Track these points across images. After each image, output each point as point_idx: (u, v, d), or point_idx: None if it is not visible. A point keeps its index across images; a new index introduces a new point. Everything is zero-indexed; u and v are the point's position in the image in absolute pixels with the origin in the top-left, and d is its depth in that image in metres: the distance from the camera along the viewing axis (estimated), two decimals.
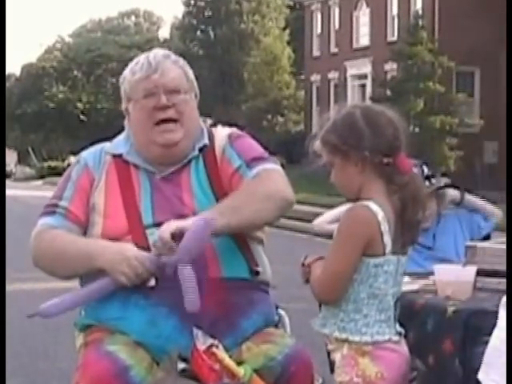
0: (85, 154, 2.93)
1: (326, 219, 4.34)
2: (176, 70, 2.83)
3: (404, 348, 2.56)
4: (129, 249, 2.62)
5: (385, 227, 2.44)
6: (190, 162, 2.84)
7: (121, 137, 2.94)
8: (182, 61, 2.89)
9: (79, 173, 2.86)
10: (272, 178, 2.77)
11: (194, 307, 2.50)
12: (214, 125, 3.01)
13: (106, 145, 2.94)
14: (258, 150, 2.87)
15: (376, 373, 2.46)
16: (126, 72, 2.86)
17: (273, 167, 2.81)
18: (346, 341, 2.49)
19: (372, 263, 2.45)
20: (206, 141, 2.87)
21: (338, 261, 2.47)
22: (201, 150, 2.85)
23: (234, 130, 2.97)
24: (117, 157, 2.87)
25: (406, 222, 2.49)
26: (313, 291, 2.54)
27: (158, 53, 2.87)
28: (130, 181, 2.82)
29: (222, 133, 2.93)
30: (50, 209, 2.82)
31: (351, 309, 2.49)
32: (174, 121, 2.79)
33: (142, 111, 2.80)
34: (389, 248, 2.46)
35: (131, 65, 2.86)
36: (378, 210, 2.44)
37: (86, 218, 2.80)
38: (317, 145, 2.57)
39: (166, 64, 2.82)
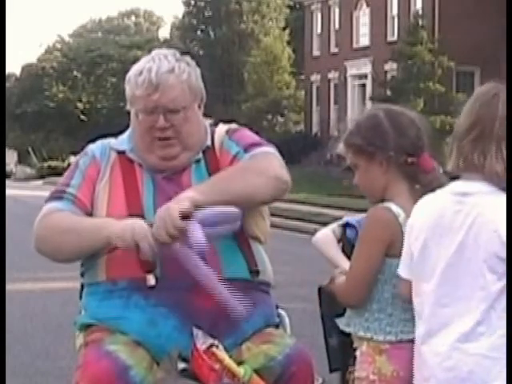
0: (92, 146, 2.94)
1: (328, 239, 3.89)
2: (178, 87, 2.76)
3: None
4: (136, 220, 2.61)
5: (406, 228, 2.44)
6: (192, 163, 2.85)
7: (125, 134, 2.95)
8: (187, 70, 2.80)
9: (87, 163, 2.88)
10: (267, 158, 2.80)
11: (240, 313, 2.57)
12: (216, 124, 3.01)
13: (112, 140, 2.95)
14: (256, 138, 2.90)
15: (392, 371, 2.47)
16: (130, 76, 2.81)
17: (268, 150, 2.84)
18: (369, 339, 2.50)
19: (395, 264, 2.45)
20: (208, 142, 2.89)
21: (360, 264, 2.48)
22: (204, 151, 2.87)
23: (233, 125, 2.99)
24: (121, 153, 2.88)
25: None
26: (337, 296, 2.55)
27: (161, 67, 2.75)
28: (134, 179, 2.82)
29: (221, 130, 2.95)
30: (58, 194, 2.83)
31: (375, 308, 2.51)
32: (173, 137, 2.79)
33: (140, 126, 2.80)
34: None
35: (135, 70, 2.79)
36: (399, 211, 2.46)
37: (92, 207, 2.81)
38: (340, 148, 2.60)
39: (169, 81, 2.75)
